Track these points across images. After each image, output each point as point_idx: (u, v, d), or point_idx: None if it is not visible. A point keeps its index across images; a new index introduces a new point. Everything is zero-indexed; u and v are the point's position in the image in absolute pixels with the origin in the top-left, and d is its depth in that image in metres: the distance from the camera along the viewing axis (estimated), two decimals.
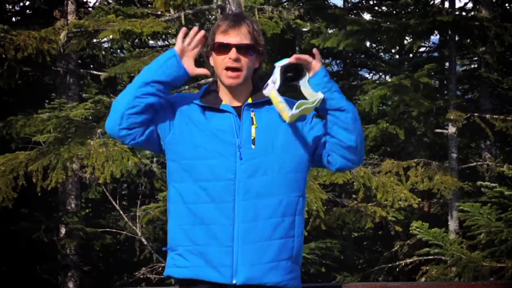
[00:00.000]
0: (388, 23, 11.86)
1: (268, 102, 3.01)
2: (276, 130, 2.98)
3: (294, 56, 2.93)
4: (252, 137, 2.95)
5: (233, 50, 2.95)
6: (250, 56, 2.98)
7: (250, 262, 2.90)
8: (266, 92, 2.94)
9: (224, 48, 2.96)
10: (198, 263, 2.92)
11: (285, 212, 2.94)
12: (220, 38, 2.97)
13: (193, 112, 3.00)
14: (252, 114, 2.99)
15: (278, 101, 2.92)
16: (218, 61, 2.98)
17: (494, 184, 7.73)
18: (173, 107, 3.03)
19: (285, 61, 2.94)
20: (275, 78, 2.93)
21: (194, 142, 2.95)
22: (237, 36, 2.95)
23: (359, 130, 2.98)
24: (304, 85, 2.94)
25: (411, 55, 16.47)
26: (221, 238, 2.90)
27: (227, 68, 2.96)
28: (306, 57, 2.93)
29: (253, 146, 2.94)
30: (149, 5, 11.90)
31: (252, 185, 2.92)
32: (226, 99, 3.02)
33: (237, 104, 3.02)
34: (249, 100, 3.01)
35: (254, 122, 2.97)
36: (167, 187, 3.07)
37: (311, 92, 2.93)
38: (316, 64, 2.93)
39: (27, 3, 13.49)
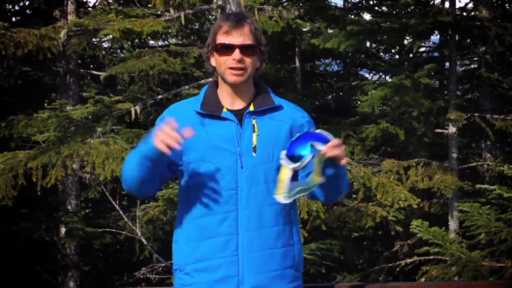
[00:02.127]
0: (388, 23, 11.84)
1: (271, 109, 3.00)
2: (277, 138, 2.97)
3: (333, 152, 2.77)
4: (254, 145, 2.94)
5: (237, 51, 2.92)
6: (253, 56, 2.96)
7: (256, 270, 2.90)
8: (282, 162, 2.80)
9: (227, 49, 2.93)
10: (203, 279, 2.92)
11: (284, 220, 2.96)
12: (222, 39, 2.94)
13: (194, 125, 2.92)
14: (253, 122, 2.97)
15: (282, 178, 2.79)
16: (221, 61, 2.95)
17: (493, 187, 7.71)
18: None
19: (320, 147, 2.77)
20: (305, 163, 2.78)
21: (199, 158, 2.94)
22: (240, 37, 2.93)
23: (346, 188, 3.02)
24: (319, 160, 2.78)
25: (411, 55, 16.47)
26: (226, 249, 2.90)
27: (231, 68, 2.94)
28: (341, 154, 2.80)
29: (254, 154, 2.93)
30: (149, 5, 11.89)
31: (254, 193, 2.92)
32: (228, 101, 3.00)
33: (238, 106, 3.00)
34: (251, 108, 2.99)
35: (256, 130, 2.95)
36: (178, 209, 3.06)
37: (319, 171, 2.80)
38: (344, 161, 2.81)
39: (27, 3, 13.48)
